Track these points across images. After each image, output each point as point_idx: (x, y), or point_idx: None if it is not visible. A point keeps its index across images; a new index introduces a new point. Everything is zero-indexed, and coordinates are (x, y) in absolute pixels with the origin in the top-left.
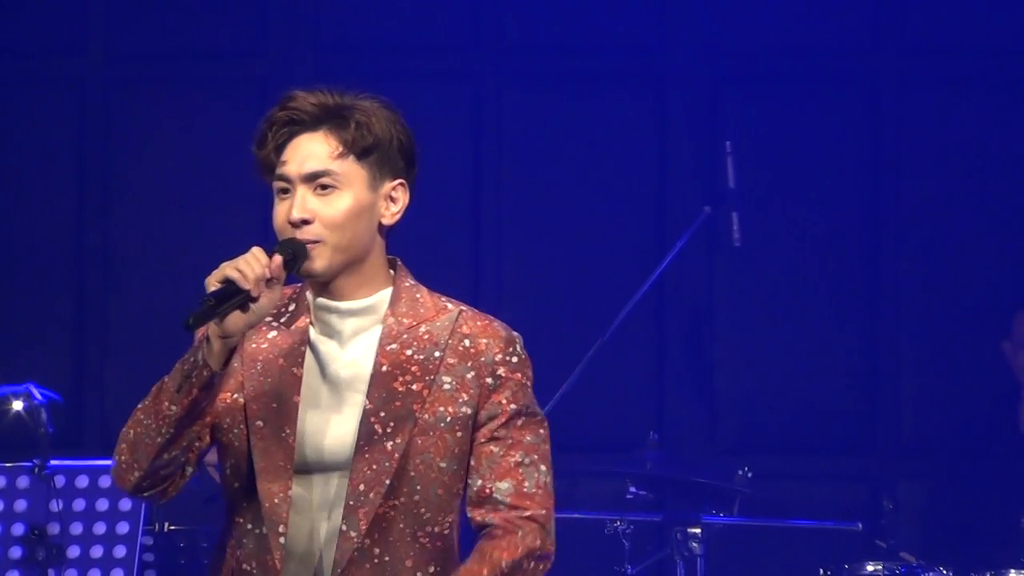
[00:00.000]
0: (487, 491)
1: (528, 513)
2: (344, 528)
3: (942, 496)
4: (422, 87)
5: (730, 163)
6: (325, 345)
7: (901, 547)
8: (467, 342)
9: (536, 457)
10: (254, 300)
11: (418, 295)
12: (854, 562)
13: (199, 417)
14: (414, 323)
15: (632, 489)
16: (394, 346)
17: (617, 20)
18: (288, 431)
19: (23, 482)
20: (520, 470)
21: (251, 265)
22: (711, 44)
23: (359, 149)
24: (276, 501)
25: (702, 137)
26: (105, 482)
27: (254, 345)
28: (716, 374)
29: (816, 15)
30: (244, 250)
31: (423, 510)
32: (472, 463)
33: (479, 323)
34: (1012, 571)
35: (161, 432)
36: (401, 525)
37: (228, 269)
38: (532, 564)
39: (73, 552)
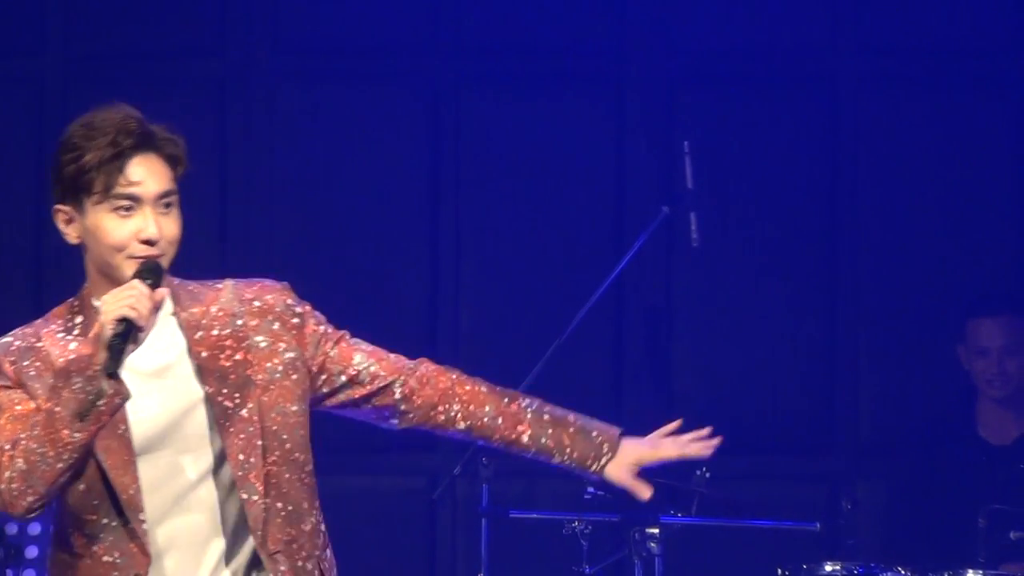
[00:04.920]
0: (358, 371)
1: (422, 366)
2: (245, 496)
3: (901, 496)
4: (380, 88)
5: (688, 163)
6: None
7: (860, 547)
8: (256, 303)
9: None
10: (142, 330)
11: (190, 287)
12: (812, 562)
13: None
14: (203, 308)
15: (590, 489)
16: (200, 333)
17: (575, 21)
18: (123, 427)
19: None
20: (357, 344)
21: (142, 302)
22: (669, 44)
23: (181, 170)
24: (132, 492)
25: (660, 137)
26: None
27: (62, 359)
28: (674, 374)
29: (774, 16)
30: (202, 250)
31: (298, 455)
32: (328, 375)
33: (255, 287)
34: (970, 571)
35: (63, 459)
36: (288, 475)
37: (123, 310)
38: None
39: (31, 552)
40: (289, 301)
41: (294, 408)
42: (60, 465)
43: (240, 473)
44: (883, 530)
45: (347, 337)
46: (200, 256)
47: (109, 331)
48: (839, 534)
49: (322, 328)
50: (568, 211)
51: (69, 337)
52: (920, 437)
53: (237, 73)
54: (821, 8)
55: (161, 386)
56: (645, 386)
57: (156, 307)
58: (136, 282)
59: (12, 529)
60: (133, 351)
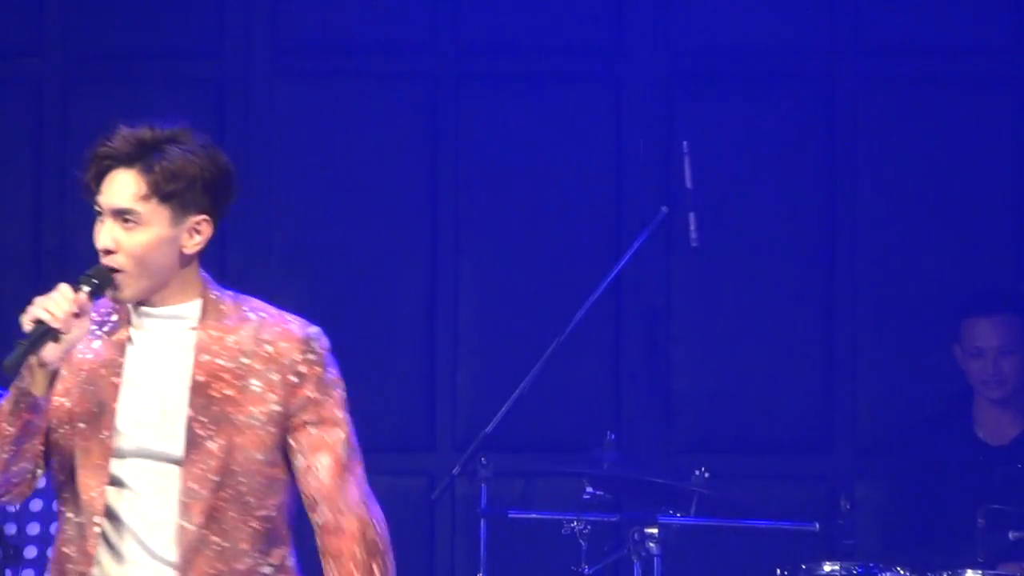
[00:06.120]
0: (307, 465)
1: (345, 520)
2: (182, 523)
3: (899, 497)
4: (379, 86)
5: (687, 163)
6: (142, 350)
7: (859, 547)
8: (269, 347)
9: (347, 430)
10: (65, 333)
11: (222, 306)
12: (811, 562)
13: (37, 434)
14: (222, 335)
15: (589, 489)
16: (207, 357)
17: (574, 19)
18: (107, 433)
19: None
20: (336, 445)
21: (59, 304)
22: (668, 43)
23: (162, 193)
24: (93, 495)
25: (659, 137)
26: None
27: (80, 355)
28: (673, 374)
29: (773, 14)
30: (202, 251)
31: (249, 499)
32: (292, 444)
33: (277, 329)
34: (969, 571)
35: (4, 449)
36: (232, 513)
37: (38, 310)
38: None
39: (30, 552)
40: (296, 357)
41: (259, 457)
42: (3, 456)
43: (185, 500)
44: (882, 530)
45: (337, 431)
46: (199, 255)
47: (25, 328)
48: (838, 534)
49: (314, 396)
50: (567, 211)
51: (99, 333)
52: (918, 437)
53: (236, 73)
54: (820, 8)
55: (163, 398)
56: (643, 386)
57: (79, 313)
58: (63, 286)
59: (11, 529)
60: (64, 349)
